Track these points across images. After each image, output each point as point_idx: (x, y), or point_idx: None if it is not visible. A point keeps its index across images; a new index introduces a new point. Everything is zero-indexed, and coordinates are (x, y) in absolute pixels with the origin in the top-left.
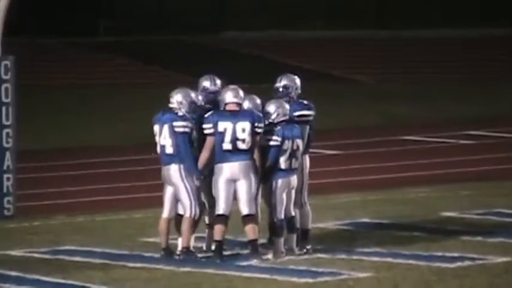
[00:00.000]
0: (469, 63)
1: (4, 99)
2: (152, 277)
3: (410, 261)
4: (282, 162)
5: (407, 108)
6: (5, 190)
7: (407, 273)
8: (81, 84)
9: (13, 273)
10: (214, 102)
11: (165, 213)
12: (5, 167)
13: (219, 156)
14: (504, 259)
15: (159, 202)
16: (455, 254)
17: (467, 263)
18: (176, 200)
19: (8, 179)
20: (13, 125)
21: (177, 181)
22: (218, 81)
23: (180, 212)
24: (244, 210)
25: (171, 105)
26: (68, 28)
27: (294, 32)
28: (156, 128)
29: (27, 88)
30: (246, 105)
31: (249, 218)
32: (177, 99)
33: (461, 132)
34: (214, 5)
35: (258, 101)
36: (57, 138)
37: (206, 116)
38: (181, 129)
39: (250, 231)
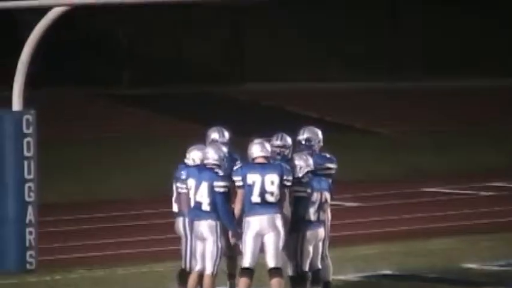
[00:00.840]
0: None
1: (26, 153)
2: None
3: None
4: (311, 214)
5: (426, 160)
6: (27, 244)
7: None
8: (103, 136)
9: None
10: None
11: (198, 266)
12: (27, 221)
13: (247, 209)
14: None
15: (177, 255)
16: None
17: None
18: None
19: (30, 232)
20: (35, 179)
21: (209, 237)
22: (226, 133)
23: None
24: (271, 263)
25: (206, 161)
26: (91, 79)
27: (313, 84)
28: (191, 183)
29: (45, 142)
30: (276, 143)
31: (276, 271)
32: (212, 156)
33: (481, 184)
34: (235, 56)
35: (288, 141)
36: (77, 192)
37: (235, 168)
38: (222, 190)
39: (276, 285)
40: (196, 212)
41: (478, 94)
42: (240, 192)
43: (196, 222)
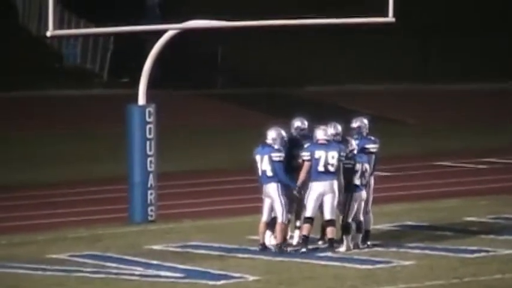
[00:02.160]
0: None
1: (148, 136)
2: (255, 264)
3: (442, 253)
4: (356, 180)
5: (442, 142)
6: (148, 201)
7: (440, 261)
8: (200, 124)
9: (154, 262)
10: (304, 136)
11: (264, 217)
12: (149, 185)
13: (314, 176)
14: (510, 251)
15: (259, 210)
16: (474, 248)
17: (483, 254)
18: (272, 208)
19: (151, 193)
20: (155, 155)
21: (274, 195)
22: (306, 122)
23: (274, 216)
24: (328, 216)
25: (267, 141)
26: (192, 83)
27: (360, 86)
28: (258, 158)
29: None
30: (330, 131)
31: (331, 222)
32: (271, 136)
33: (480, 159)
34: (300, 64)
35: (339, 128)
36: (187, 162)
37: (305, 146)
38: (277, 159)
39: (330, 232)
40: (264, 179)
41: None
42: (307, 164)
43: (264, 185)
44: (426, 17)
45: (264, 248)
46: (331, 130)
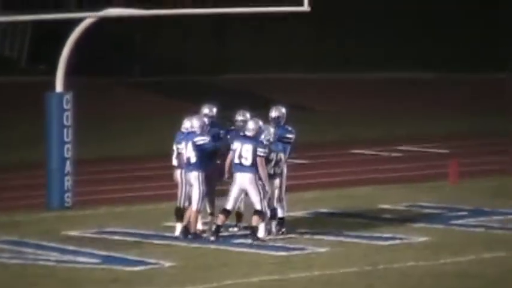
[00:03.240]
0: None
1: (65, 123)
2: (171, 251)
3: (356, 240)
4: (270, 169)
5: (358, 130)
6: (65, 188)
7: (354, 248)
8: (118, 112)
9: (71, 248)
10: (212, 124)
11: (194, 206)
12: (65, 171)
13: (233, 167)
14: (424, 239)
15: (175, 197)
16: (389, 235)
17: (397, 241)
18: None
19: (68, 180)
20: (72, 142)
21: (195, 183)
22: (214, 109)
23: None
24: (254, 206)
25: (189, 129)
26: (110, 71)
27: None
28: (182, 145)
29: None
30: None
31: (256, 212)
32: (195, 123)
33: (394, 147)
34: (219, 52)
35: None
36: (104, 149)
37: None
38: (201, 142)
39: (254, 220)
40: (187, 165)
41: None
42: (230, 154)
43: (186, 173)
44: (343, 6)
45: (196, 237)
46: (239, 117)
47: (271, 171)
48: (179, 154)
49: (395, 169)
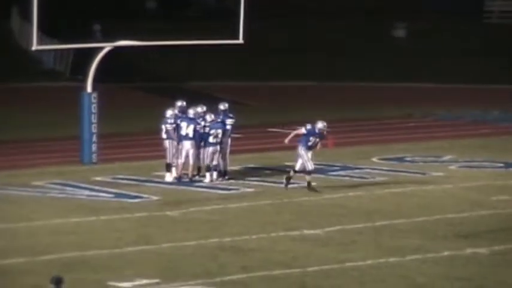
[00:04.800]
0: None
1: (93, 111)
2: (158, 190)
3: (271, 184)
4: (211, 139)
5: (272, 117)
6: (93, 150)
7: (270, 189)
8: (125, 105)
9: (96, 187)
10: (183, 112)
11: (182, 160)
12: (93, 141)
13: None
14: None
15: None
16: (293, 181)
17: (295, 185)
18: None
19: (94, 146)
20: (97, 122)
21: (191, 149)
22: (184, 103)
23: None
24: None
25: (189, 116)
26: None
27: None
28: (184, 124)
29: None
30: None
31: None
32: (192, 112)
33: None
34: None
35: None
36: (116, 127)
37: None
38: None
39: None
40: (185, 137)
41: None
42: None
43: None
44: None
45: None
46: (199, 109)
47: (211, 141)
48: (168, 131)
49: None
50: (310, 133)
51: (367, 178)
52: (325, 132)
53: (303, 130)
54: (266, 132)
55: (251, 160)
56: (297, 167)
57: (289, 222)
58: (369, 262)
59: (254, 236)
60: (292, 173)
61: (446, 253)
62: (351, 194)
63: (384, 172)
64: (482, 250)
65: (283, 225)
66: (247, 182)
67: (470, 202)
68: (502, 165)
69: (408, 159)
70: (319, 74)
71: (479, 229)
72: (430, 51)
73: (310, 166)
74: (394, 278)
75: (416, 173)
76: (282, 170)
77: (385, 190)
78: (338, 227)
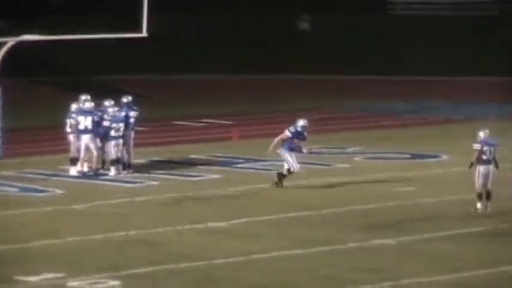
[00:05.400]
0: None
1: None
2: (63, 184)
3: (176, 177)
4: (112, 133)
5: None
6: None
7: (174, 182)
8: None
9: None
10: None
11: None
12: None
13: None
14: (217, 176)
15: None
16: (195, 174)
17: (200, 178)
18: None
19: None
20: (1, 118)
21: (92, 142)
22: (89, 96)
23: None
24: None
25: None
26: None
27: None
28: (81, 118)
29: None
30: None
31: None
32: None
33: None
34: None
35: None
36: (20, 123)
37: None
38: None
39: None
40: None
41: None
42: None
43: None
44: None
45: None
46: (106, 102)
47: (113, 134)
48: (72, 125)
49: (202, 133)
50: (295, 135)
51: (272, 170)
52: (305, 133)
53: (287, 133)
54: (170, 126)
55: (156, 153)
56: (284, 170)
57: (194, 215)
58: (275, 254)
59: (160, 229)
60: (285, 171)
61: (352, 244)
62: (255, 186)
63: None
64: (389, 241)
65: (189, 218)
66: (152, 175)
67: (376, 193)
68: (408, 156)
69: (314, 151)
70: (227, 67)
71: (386, 220)
72: (334, 43)
73: (296, 167)
74: (300, 270)
75: (322, 164)
76: (187, 163)
77: (293, 182)
78: (243, 219)
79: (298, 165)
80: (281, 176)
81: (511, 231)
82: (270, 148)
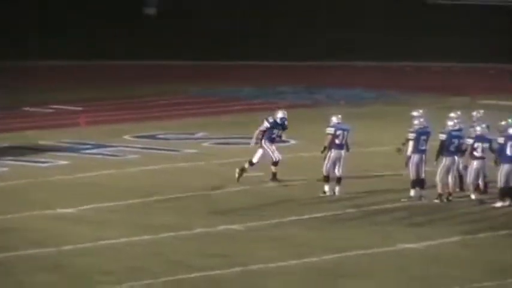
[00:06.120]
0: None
1: None
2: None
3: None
4: None
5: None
6: None
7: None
8: None
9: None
10: None
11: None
12: None
13: None
14: (66, 162)
15: None
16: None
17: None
18: None
19: None
20: None
21: None
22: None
23: None
24: None
25: None
26: None
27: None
28: None
29: None
30: None
31: None
32: None
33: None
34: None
35: None
36: None
37: None
38: None
39: None
40: None
41: None
42: None
43: None
44: None
45: None
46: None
47: None
48: None
49: (51, 119)
50: (273, 125)
51: (120, 156)
52: (286, 122)
53: (266, 124)
54: (20, 112)
55: (4, 139)
56: (255, 159)
57: (43, 201)
58: (123, 240)
59: (9, 216)
60: (247, 165)
61: (199, 230)
62: (104, 172)
63: (136, 150)
64: (236, 226)
65: (38, 205)
66: (2, 161)
67: (223, 179)
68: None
69: (161, 136)
70: (76, 53)
71: (233, 206)
72: (186, 29)
73: (276, 157)
74: (149, 256)
75: (169, 150)
76: (37, 149)
77: (137, 168)
78: (92, 205)
79: (280, 155)
80: (243, 170)
81: (358, 216)
82: (252, 141)
